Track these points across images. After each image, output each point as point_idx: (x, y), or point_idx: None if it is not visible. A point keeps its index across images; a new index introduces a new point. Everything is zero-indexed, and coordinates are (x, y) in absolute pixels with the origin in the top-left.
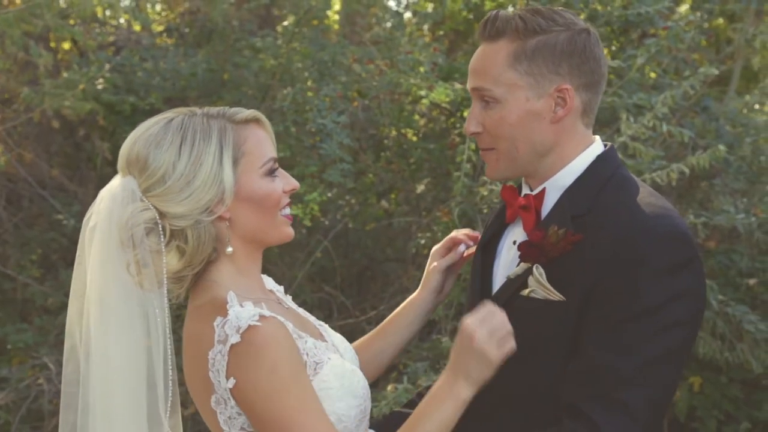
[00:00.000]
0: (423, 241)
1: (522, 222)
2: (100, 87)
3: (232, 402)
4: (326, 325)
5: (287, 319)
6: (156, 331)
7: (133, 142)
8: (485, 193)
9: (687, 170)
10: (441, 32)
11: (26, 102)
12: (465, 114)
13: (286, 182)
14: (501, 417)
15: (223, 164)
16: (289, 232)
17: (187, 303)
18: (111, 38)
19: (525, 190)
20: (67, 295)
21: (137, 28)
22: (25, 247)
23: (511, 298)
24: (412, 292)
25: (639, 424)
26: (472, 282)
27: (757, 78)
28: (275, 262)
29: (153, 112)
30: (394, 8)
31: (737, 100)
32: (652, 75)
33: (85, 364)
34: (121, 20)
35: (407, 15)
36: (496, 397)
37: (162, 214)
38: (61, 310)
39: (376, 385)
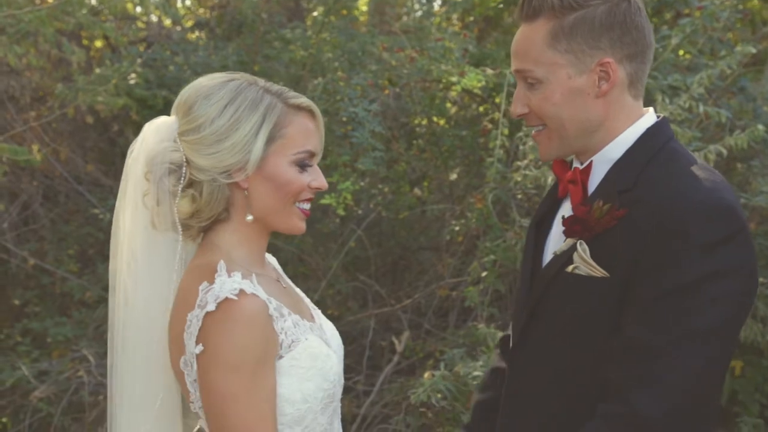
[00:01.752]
0: (457, 228)
1: (570, 196)
2: (132, 82)
3: (195, 366)
4: (319, 311)
5: (277, 298)
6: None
7: (190, 87)
8: (519, 178)
9: (725, 151)
10: (471, 19)
11: (60, 98)
12: (497, 100)
13: (314, 178)
14: (548, 394)
15: (258, 137)
16: (300, 225)
17: None
18: (142, 34)
19: (576, 165)
20: (104, 289)
21: (167, 23)
22: (62, 243)
23: (557, 273)
24: (446, 279)
25: (673, 401)
26: (524, 259)
27: None
28: (310, 252)
29: None
30: None
31: None
32: (687, 56)
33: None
34: (152, 16)
35: (436, 4)
36: (543, 374)
37: (187, 161)
38: (98, 303)
39: (413, 372)
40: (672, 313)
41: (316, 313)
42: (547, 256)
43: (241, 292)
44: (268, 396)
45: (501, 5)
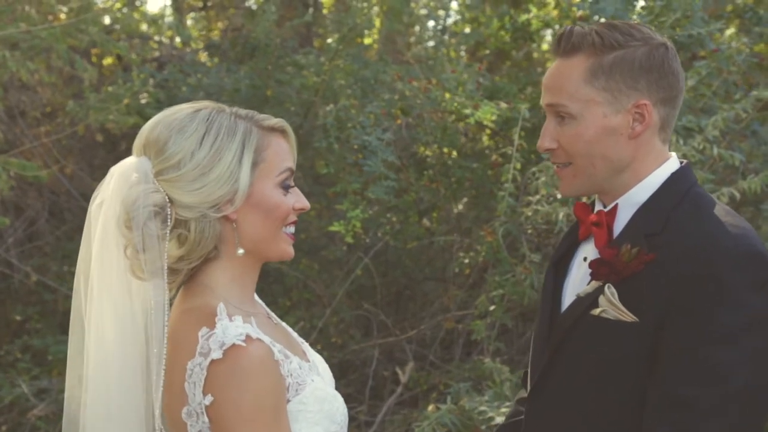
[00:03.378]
0: (467, 261)
1: (594, 239)
2: (143, 101)
3: (205, 418)
4: (307, 344)
5: (275, 339)
6: (151, 323)
7: (155, 123)
8: (529, 213)
9: (738, 194)
10: (486, 52)
11: (71, 115)
12: (512, 134)
13: (297, 200)
14: None
15: (242, 164)
16: (290, 251)
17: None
18: (154, 54)
19: (598, 207)
20: None
21: (179, 44)
22: (66, 260)
23: (581, 316)
24: (453, 312)
25: None
26: (543, 299)
27: None
28: (314, 279)
29: None
30: (433, 28)
31: None
32: (701, 98)
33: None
34: (162, 37)
35: (445, 36)
36: (564, 418)
37: (170, 201)
38: None
39: (416, 404)
40: (717, 365)
41: (306, 347)
42: (566, 298)
43: (248, 337)
44: None
45: (511, 39)
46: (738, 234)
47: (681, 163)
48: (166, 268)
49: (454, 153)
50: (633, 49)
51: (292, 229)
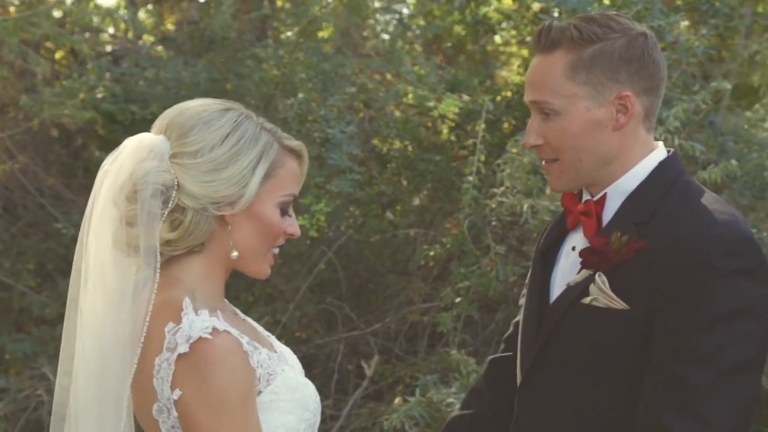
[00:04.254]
0: (432, 253)
1: (583, 228)
2: (99, 96)
3: (175, 412)
4: (273, 337)
5: (242, 332)
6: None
7: (183, 109)
8: (493, 206)
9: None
10: (448, 44)
11: (24, 110)
12: (476, 127)
13: (291, 224)
14: (562, 428)
15: (255, 173)
16: (267, 270)
17: None
18: (108, 47)
19: (585, 196)
20: (65, 305)
21: (132, 35)
22: (21, 256)
23: (571, 306)
24: (417, 304)
25: None
26: (531, 289)
27: (748, 95)
28: (277, 273)
29: (154, 121)
30: (388, 20)
31: (741, 116)
32: None
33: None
34: (116, 31)
35: (400, 29)
36: (556, 409)
37: (177, 185)
38: (58, 320)
39: (382, 397)
40: (712, 347)
41: (273, 339)
42: (555, 288)
43: (214, 330)
44: (258, 427)
45: (469, 32)
46: (728, 221)
47: (668, 152)
48: (158, 247)
49: (410, 147)
50: (612, 41)
51: (277, 250)
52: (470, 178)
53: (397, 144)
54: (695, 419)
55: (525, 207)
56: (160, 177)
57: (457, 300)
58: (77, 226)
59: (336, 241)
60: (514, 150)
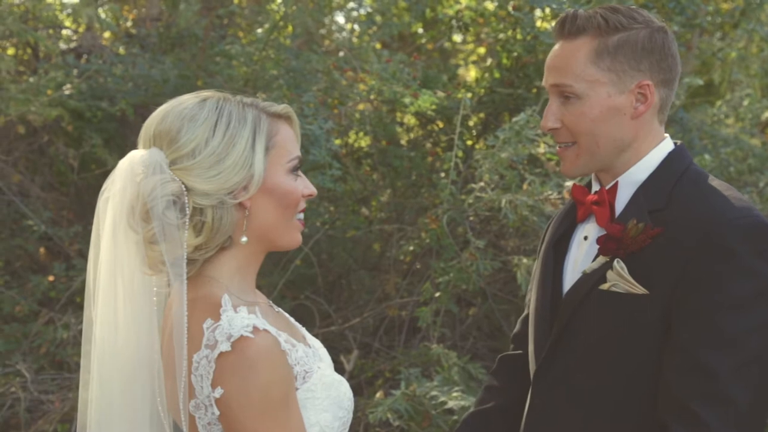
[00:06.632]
0: (411, 248)
1: (596, 217)
2: (67, 92)
3: (214, 410)
4: (304, 329)
5: (279, 328)
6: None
7: (163, 115)
8: (471, 201)
9: None
10: (423, 41)
11: None
12: (452, 121)
13: (305, 186)
14: (585, 414)
15: (256, 150)
16: (299, 238)
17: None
18: (73, 44)
19: (595, 187)
20: (37, 303)
21: (97, 31)
22: None
23: (589, 293)
24: (394, 299)
25: (749, 418)
26: (543, 280)
27: (708, 92)
28: None
29: (123, 118)
30: (348, 15)
31: (704, 113)
32: None
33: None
34: (79, 27)
35: (356, 26)
36: (575, 395)
37: (187, 190)
38: (30, 317)
39: (362, 392)
40: (736, 331)
41: (305, 332)
42: (567, 277)
43: (255, 328)
44: (301, 424)
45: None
46: (742, 206)
47: (675, 144)
48: (186, 257)
49: (384, 143)
50: (636, 32)
51: (302, 215)
52: (449, 173)
53: (368, 140)
54: (724, 403)
55: (504, 202)
56: (167, 188)
57: (437, 294)
58: (46, 223)
59: (312, 237)
60: (495, 142)
